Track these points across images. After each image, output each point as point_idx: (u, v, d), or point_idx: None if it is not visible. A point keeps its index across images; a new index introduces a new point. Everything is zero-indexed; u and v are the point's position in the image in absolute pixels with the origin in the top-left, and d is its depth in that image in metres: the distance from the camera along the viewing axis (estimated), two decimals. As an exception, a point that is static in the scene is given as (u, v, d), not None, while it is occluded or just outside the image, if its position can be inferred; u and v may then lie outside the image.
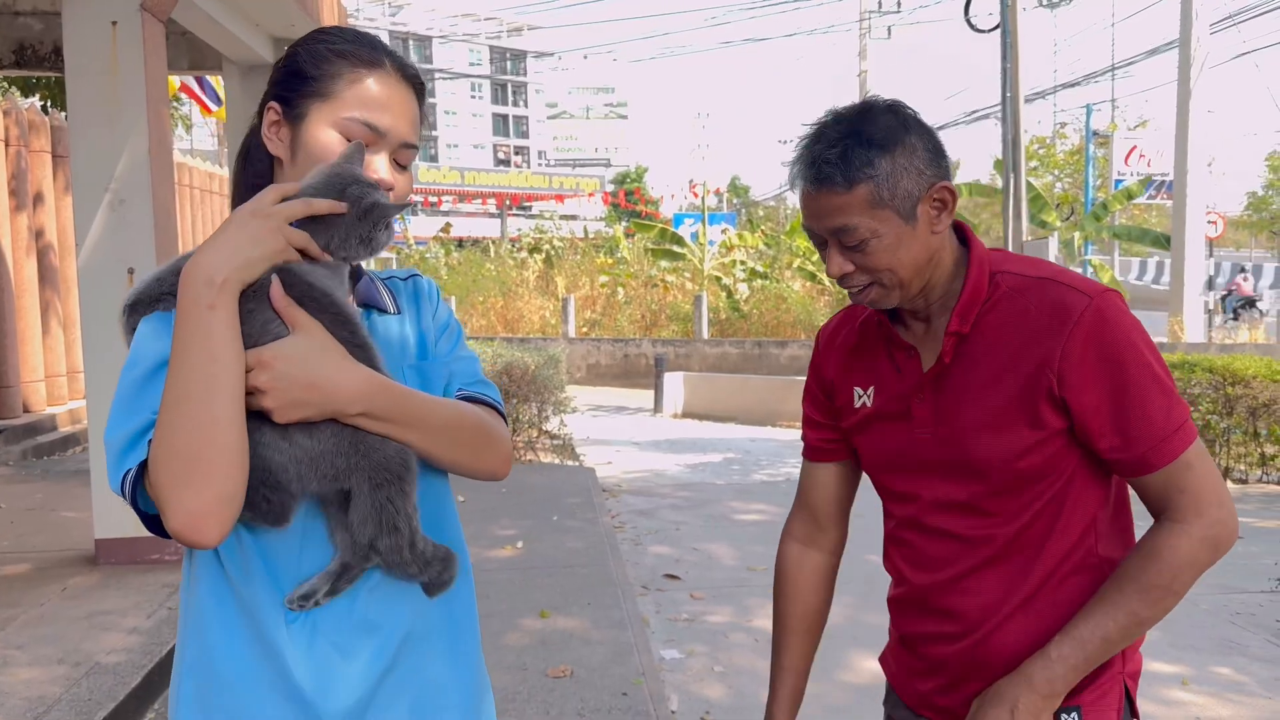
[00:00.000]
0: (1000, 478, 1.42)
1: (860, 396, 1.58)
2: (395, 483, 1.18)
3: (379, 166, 1.24)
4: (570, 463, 8.91)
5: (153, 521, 1.14)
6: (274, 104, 1.26)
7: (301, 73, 1.24)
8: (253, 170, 1.31)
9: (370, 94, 1.24)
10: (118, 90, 4.57)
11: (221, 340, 1.09)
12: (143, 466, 1.09)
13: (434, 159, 79.60)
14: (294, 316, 1.14)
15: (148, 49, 4.64)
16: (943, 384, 1.47)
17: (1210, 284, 18.37)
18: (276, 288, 1.13)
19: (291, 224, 1.15)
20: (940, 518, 1.50)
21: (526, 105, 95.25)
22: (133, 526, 4.76)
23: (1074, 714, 1.41)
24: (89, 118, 4.59)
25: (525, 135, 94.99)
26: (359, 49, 1.25)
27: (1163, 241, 17.30)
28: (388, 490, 1.17)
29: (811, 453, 1.69)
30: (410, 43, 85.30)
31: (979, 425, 1.43)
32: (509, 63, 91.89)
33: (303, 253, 1.16)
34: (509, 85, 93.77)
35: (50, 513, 5.85)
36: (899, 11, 29.22)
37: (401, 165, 1.28)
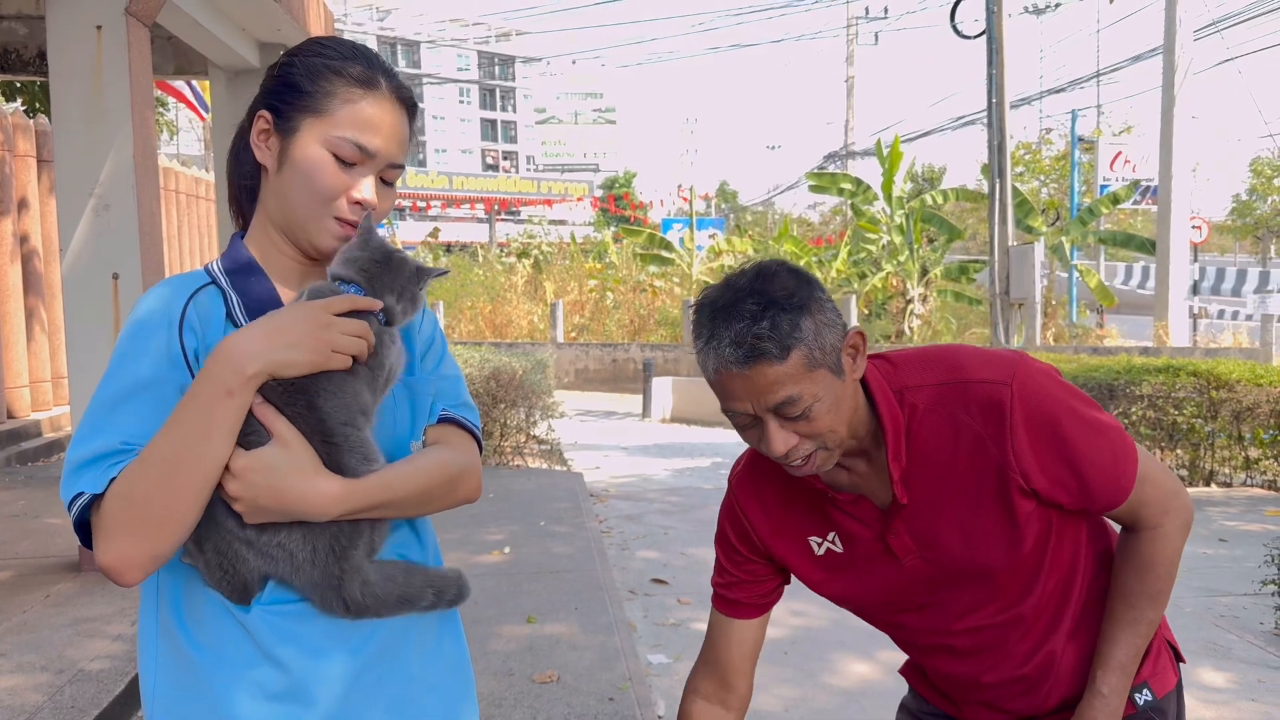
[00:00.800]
0: (1009, 567, 1.46)
1: (820, 545, 1.52)
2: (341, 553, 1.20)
3: (364, 187, 1.25)
4: (558, 468, 8.91)
5: (86, 532, 1.14)
6: (265, 112, 1.26)
7: (297, 86, 1.25)
8: (240, 173, 1.32)
9: (364, 115, 1.24)
10: (102, 95, 4.56)
11: (222, 430, 1.12)
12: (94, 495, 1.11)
13: (422, 164, 79.50)
14: (273, 426, 1.15)
15: (133, 53, 4.62)
16: (909, 515, 1.46)
17: (1195, 289, 18.48)
18: (257, 397, 1.15)
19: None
20: (967, 621, 1.52)
21: (515, 110, 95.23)
22: (117, 533, 4.75)
23: (1145, 690, 1.53)
24: (73, 122, 4.58)
25: (514, 140, 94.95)
26: (356, 67, 1.26)
27: (1148, 246, 17.40)
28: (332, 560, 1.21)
29: (731, 608, 1.61)
30: (398, 48, 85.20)
31: (965, 538, 1.45)
32: (497, 68, 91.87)
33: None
34: (497, 90, 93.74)
35: (34, 519, 5.81)
36: (886, 18, 29.36)
37: (387, 183, 1.29)
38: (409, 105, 1.30)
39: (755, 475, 1.56)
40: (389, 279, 1.23)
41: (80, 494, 1.11)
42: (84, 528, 1.13)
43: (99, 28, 4.54)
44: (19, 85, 11.33)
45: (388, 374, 1.23)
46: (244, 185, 1.32)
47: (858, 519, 1.48)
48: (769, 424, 1.34)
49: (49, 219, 9.57)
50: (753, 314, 1.29)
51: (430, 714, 1.31)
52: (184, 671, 1.21)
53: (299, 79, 1.25)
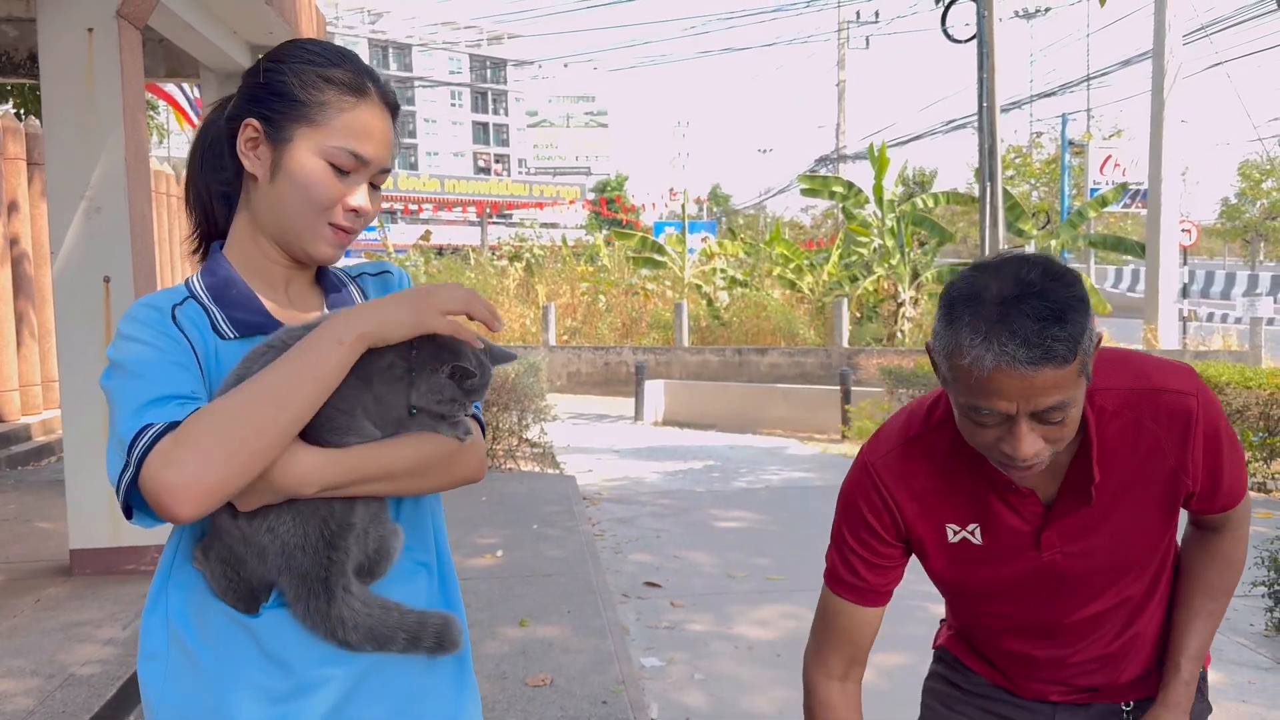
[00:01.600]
0: (1145, 563, 1.55)
1: (956, 534, 1.53)
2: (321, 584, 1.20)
3: (359, 195, 1.26)
4: (550, 471, 8.91)
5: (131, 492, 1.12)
6: (254, 121, 1.25)
7: (290, 95, 1.24)
8: (220, 178, 1.30)
9: (358, 124, 1.25)
10: (94, 97, 4.55)
11: (326, 370, 1.13)
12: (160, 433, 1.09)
13: (414, 167, 79.38)
14: None
15: (124, 56, 4.62)
16: (1073, 512, 1.49)
17: (1185, 292, 18.56)
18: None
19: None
20: (1084, 611, 1.57)
21: (507, 113, 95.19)
22: (108, 537, 4.73)
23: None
24: (65, 125, 4.56)
25: (505, 143, 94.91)
26: (347, 75, 1.26)
27: (1137, 249, 17.47)
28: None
29: (865, 597, 1.61)
30: (390, 51, 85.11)
31: (1117, 538, 1.51)
32: (489, 71, 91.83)
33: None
34: (489, 93, 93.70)
35: (24, 523, 5.79)
36: (877, 22, 29.46)
37: (375, 186, 1.30)
38: (394, 108, 1.31)
39: (906, 461, 1.54)
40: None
41: (149, 426, 1.08)
42: (131, 487, 1.10)
43: (90, 30, 4.53)
44: (9, 88, 11.30)
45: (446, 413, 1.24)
46: (224, 194, 1.31)
47: (1020, 514, 1.49)
48: (1021, 425, 1.31)
49: (39, 222, 9.54)
50: (1049, 315, 1.25)
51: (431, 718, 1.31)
52: (189, 675, 1.21)
53: (292, 88, 1.24)
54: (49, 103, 4.59)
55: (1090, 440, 1.42)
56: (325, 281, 1.36)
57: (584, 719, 3.48)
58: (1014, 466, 1.36)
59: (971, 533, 1.52)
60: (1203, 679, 1.65)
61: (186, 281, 1.28)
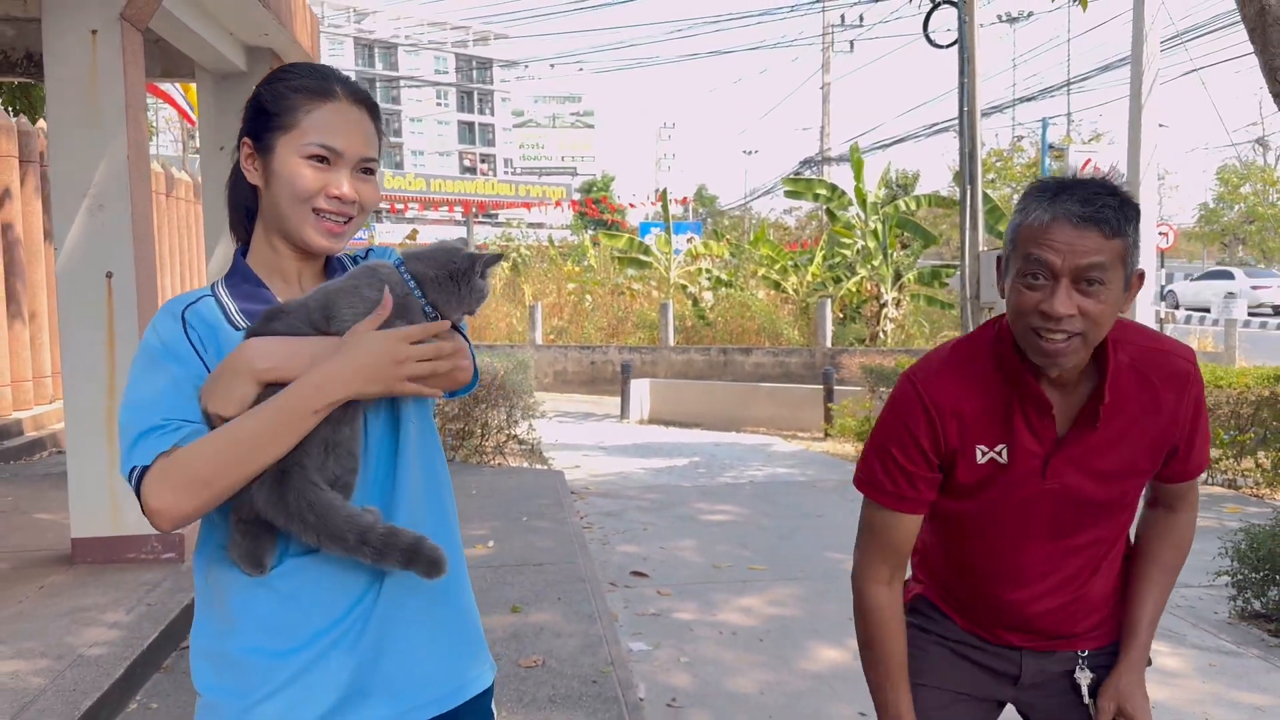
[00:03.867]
0: (1121, 507, 1.75)
1: (985, 454, 1.69)
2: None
3: (340, 181, 1.44)
4: (539, 466, 9.04)
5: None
6: (246, 139, 1.46)
7: (266, 111, 1.44)
8: (240, 196, 1.51)
9: (324, 121, 1.43)
10: (97, 98, 4.66)
11: (296, 436, 1.32)
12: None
13: (399, 166, 79.22)
14: None
15: (127, 58, 4.73)
16: (1080, 443, 1.69)
17: (1161, 293, 18.83)
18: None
19: (415, 290, 1.39)
20: (1054, 548, 1.77)
21: (493, 113, 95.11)
22: (109, 526, 4.85)
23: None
24: (69, 125, 4.67)
25: (491, 143, 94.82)
26: (312, 82, 1.45)
27: (1116, 252, 17.70)
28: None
29: (909, 505, 1.76)
30: (376, 50, 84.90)
31: (1108, 476, 1.71)
32: (475, 71, 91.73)
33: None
34: (475, 93, 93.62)
35: (23, 514, 5.89)
36: (861, 25, 29.70)
37: (369, 173, 1.48)
38: (368, 105, 1.49)
39: (952, 382, 1.70)
40: (448, 286, 1.41)
41: (135, 467, 1.32)
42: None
43: (94, 32, 4.64)
44: (-1, 86, 11.34)
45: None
46: (246, 208, 1.52)
47: (1038, 436, 1.67)
48: (1062, 285, 1.52)
49: (32, 218, 9.60)
50: (1107, 191, 1.53)
51: (431, 669, 1.46)
52: (215, 606, 1.43)
53: (267, 104, 1.44)
54: (53, 103, 4.70)
55: (1107, 367, 1.63)
56: (330, 269, 1.54)
57: (575, 697, 3.63)
58: (1050, 332, 1.54)
59: (999, 453, 1.68)
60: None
61: (213, 284, 1.49)
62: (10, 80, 8.13)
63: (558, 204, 46.05)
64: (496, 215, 52.29)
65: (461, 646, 1.51)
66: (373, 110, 1.49)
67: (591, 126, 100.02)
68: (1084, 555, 1.77)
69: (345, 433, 1.36)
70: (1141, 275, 1.60)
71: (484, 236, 37.84)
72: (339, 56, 79.37)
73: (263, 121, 1.44)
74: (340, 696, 1.38)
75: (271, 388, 1.33)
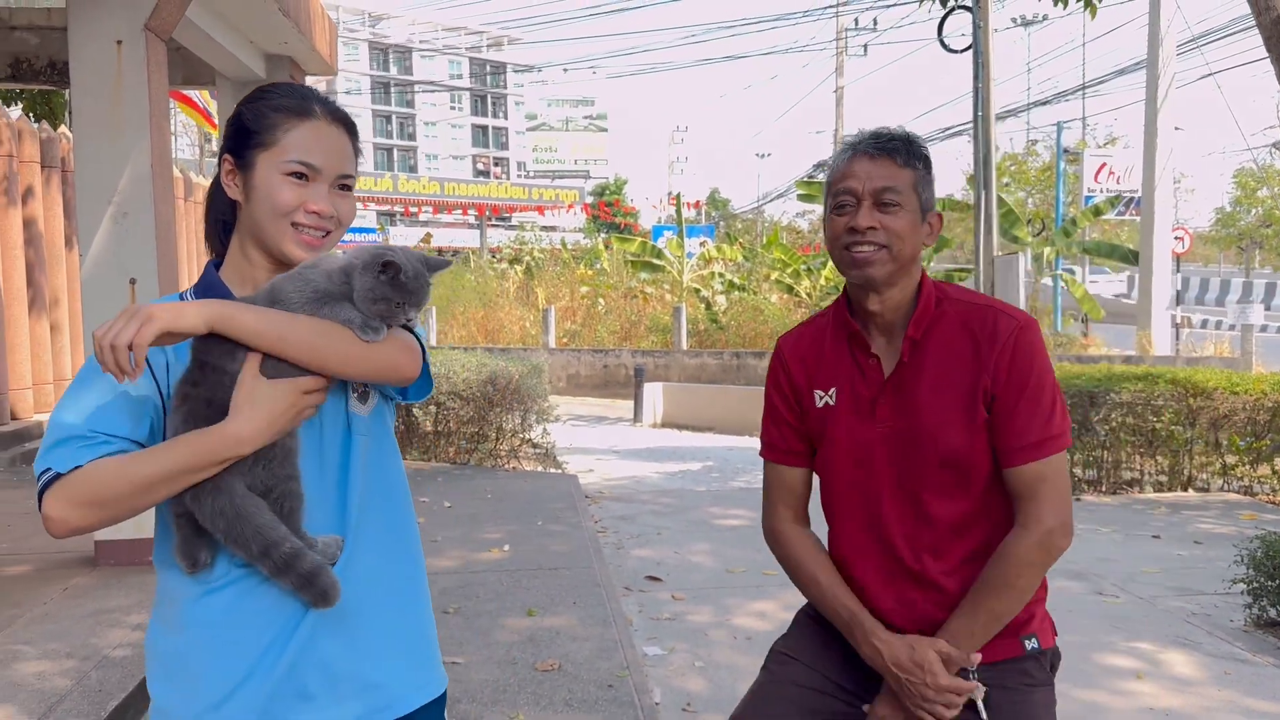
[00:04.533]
0: (953, 462, 1.78)
1: (822, 398, 1.89)
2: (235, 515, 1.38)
3: (318, 197, 1.49)
4: (553, 470, 9.08)
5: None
6: (227, 155, 1.51)
7: (246, 129, 1.49)
8: (217, 210, 1.57)
9: (303, 139, 1.49)
10: (122, 107, 4.73)
11: (202, 476, 1.36)
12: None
13: (413, 169, 79.51)
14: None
15: (151, 67, 4.80)
16: (901, 386, 1.81)
17: (1178, 298, 18.77)
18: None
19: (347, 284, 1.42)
20: (902, 499, 1.83)
21: (506, 117, 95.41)
22: (132, 528, 4.90)
23: (1032, 639, 1.86)
24: (94, 133, 4.75)
25: (505, 147, 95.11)
26: (292, 102, 1.50)
27: (1131, 257, 17.68)
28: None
29: (788, 457, 1.95)
30: (390, 54, 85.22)
31: (933, 421, 1.78)
32: (489, 75, 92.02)
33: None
34: (489, 97, 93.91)
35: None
36: (875, 30, 29.69)
37: (346, 189, 1.53)
38: (346, 124, 1.55)
39: (801, 337, 1.97)
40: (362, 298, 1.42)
41: (47, 470, 1.36)
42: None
43: (119, 43, 4.71)
44: (19, 92, 11.47)
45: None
46: (222, 222, 1.58)
47: (866, 377, 1.85)
48: (865, 204, 1.78)
49: (53, 224, 9.72)
50: (899, 137, 1.82)
51: (380, 675, 1.50)
52: (165, 606, 1.49)
53: (248, 123, 1.50)
54: (79, 112, 4.77)
55: (919, 306, 1.81)
56: None
57: (590, 701, 3.67)
58: (858, 245, 1.77)
59: (831, 396, 1.88)
60: (1053, 665, 1.88)
61: (180, 294, 1.54)
62: (33, 87, 8.23)
63: (570, 207, 46.16)
64: (509, 218, 52.41)
65: (411, 654, 1.55)
66: (350, 129, 1.56)
67: (605, 130, 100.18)
68: (938, 532, 1.80)
69: (277, 446, 1.39)
70: (940, 217, 1.86)
71: (497, 240, 37.95)
72: (354, 61, 79.72)
73: (244, 139, 1.49)
74: (287, 703, 1.42)
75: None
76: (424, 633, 1.59)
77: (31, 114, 11.64)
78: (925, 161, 1.82)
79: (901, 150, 1.79)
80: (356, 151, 1.56)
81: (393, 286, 1.39)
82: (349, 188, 1.54)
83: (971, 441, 1.78)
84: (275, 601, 1.42)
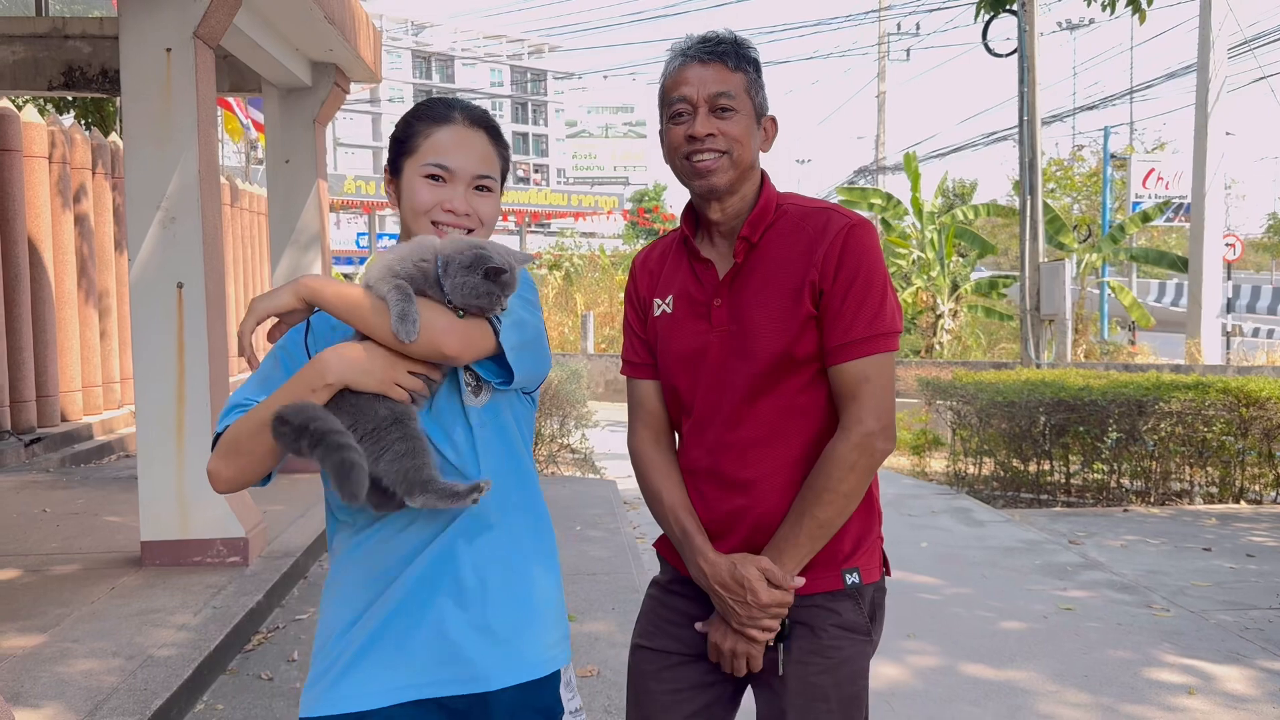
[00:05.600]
0: (777, 362, 1.76)
1: (660, 306, 1.89)
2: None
3: (453, 196, 1.60)
4: (591, 476, 9.08)
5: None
6: (386, 169, 1.66)
7: (396, 139, 1.64)
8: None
9: (440, 143, 1.61)
10: (171, 114, 4.80)
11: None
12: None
13: (454, 176, 79.82)
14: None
15: (199, 74, 4.87)
16: (736, 288, 1.81)
17: (1229, 306, 18.41)
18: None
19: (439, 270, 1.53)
20: (727, 402, 1.80)
21: (546, 124, 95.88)
22: (178, 530, 4.97)
23: (854, 573, 1.81)
24: (143, 140, 4.82)
25: (544, 154, 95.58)
26: (433, 110, 1.63)
27: (1180, 264, 17.36)
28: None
29: (640, 370, 1.95)
30: (433, 62, 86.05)
31: (762, 318, 1.77)
32: (530, 83, 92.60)
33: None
34: (529, 104, 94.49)
35: (94, 517, 6.06)
36: (918, 34, 29.46)
37: (484, 190, 1.64)
38: (484, 125, 1.65)
39: (652, 250, 1.99)
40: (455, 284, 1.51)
41: (215, 435, 1.60)
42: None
43: (169, 50, 4.79)
44: (72, 100, 11.73)
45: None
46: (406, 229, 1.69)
47: (700, 281, 1.85)
48: (701, 111, 1.76)
49: (103, 228, 9.91)
50: (723, 38, 1.80)
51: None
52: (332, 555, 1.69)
53: (397, 135, 1.65)
54: (129, 118, 4.85)
55: (757, 208, 1.81)
56: None
57: (630, 708, 3.64)
58: (698, 154, 1.76)
59: (668, 304, 1.88)
60: (878, 601, 1.85)
61: None
62: (85, 95, 8.40)
63: (609, 214, 46.26)
64: (549, 224, 52.60)
65: (520, 637, 1.60)
66: (492, 132, 1.65)
67: (644, 136, 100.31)
68: (764, 439, 1.77)
69: (383, 410, 1.51)
70: (774, 121, 1.86)
71: (537, 246, 38.11)
72: (397, 69, 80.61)
73: (395, 149, 1.64)
74: (388, 649, 1.56)
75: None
76: (541, 617, 1.64)
77: (84, 121, 11.90)
78: (755, 65, 1.80)
79: (731, 54, 1.77)
80: (501, 155, 1.66)
81: (497, 284, 1.49)
82: (488, 188, 1.63)
83: (799, 339, 1.75)
84: (403, 556, 1.57)
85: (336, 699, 1.55)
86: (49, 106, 11.45)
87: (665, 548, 1.96)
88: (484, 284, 1.48)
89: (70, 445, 8.76)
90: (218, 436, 1.57)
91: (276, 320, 1.56)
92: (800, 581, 1.75)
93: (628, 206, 55.32)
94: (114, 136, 10.45)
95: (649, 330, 1.91)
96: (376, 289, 1.49)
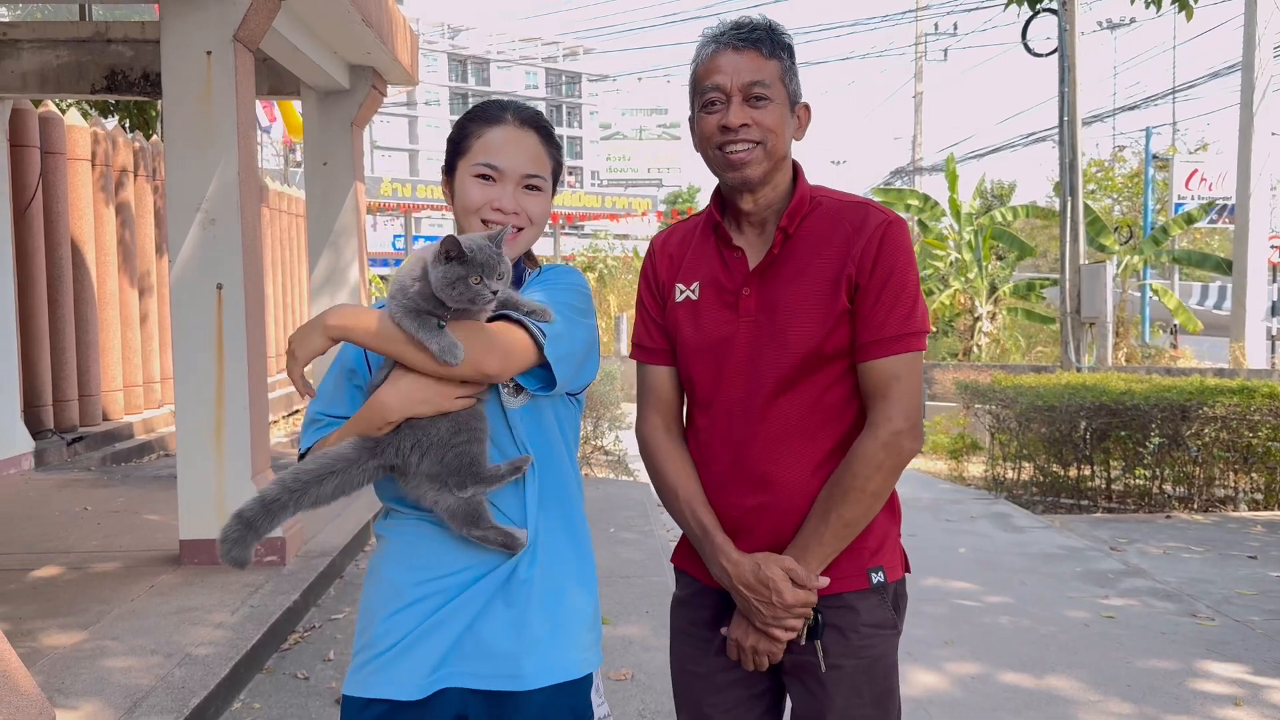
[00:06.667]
0: (809, 356, 1.72)
1: (683, 292, 1.84)
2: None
3: (502, 195, 1.62)
4: (624, 478, 9.07)
5: None
6: (443, 169, 1.69)
7: (451, 141, 1.67)
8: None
9: (490, 143, 1.63)
10: (211, 117, 4.85)
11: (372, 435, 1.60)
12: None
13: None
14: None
15: (239, 77, 4.91)
16: (768, 278, 1.77)
17: (1274, 309, 18.03)
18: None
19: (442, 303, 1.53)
20: (754, 395, 1.76)
21: (580, 127, 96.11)
22: (216, 528, 4.99)
23: (879, 571, 1.79)
24: (184, 142, 4.87)
25: (579, 156, 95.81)
26: (486, 111, 1.66)
27: (1224, 266, 17.06)
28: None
29: (654, 355, 1.89)
30: (469, 65, 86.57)
31: (795, 310, 1.73)
32: (564, 85, 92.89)
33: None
34: (564, 107, 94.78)
35: (134, 515, 6.14)
36: (955, 34, 29.21)
37: (534, 189, 1.65)
38: (534, 125, 1.67)
39: (673, 233, 1.93)
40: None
41: (300, 451, 1.68)
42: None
43: (209, 53, 4.84)
44: (114, 103, 11.89)
45: None
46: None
47: (730, 269, 1.81)
48: (734, 100, 1.72)
49: (144, 230, 10.05)
50: (761, 22, 1.76)
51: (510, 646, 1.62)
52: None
53: (452, 136, 1.69)
54: (170, 121, 4.91)
55: (795, 199, 1.77)
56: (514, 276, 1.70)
57: (665, 713, 3.62)
58: (732, 145, 1.72)
59: (693, 290, 1.83)
60: (901, 597, 1.83)
61: None
62: (128, 99, 8.52)
63: (644, 215, 46.24)
64: (583, 226, 52.70)
65: (557, 636, 1.63)
66: (543, 132, 1.67)
67: (678, 139, 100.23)
68: (790, 434, 1.73)
69: (449, 420, 1.57)
70: (807, 108, 1.81)
71: (571, 248, 38.19)
72: (433, 72, 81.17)
73: (450, 150, 1.68)
74: (431, 642, 1.61)
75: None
76: (577, 618, 1.67)
77: (126, 124, 12.07)
78: (790, 51, 1.76)
79: (766, 40, 1.73)
80: (552, 155, 1.68)
81: (461, 263, 1.46)
82: (537, 188, 1.65)
83: (831, 333, 1.72)
84: (439, 553, 1.63)
85: (381, 684, 1.60)
86: (92, 110, 11.63)
87: (683, 559, 1.94)
88: (450, 269, 1.46)
89: (111, 444, 8.88)
90: (304, 454, 1.63)
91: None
92: (824, 581, 1.73)
93: (661, 208, 55.26)
94: (155, 139, 10.59)
95: (667, 316, 1.87)
96: (401, 323, 1.51)
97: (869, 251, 1.72)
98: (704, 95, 1.75)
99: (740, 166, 1.72)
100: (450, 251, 1.46)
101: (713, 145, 1.75)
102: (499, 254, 1.48)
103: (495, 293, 1.48)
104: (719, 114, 1.73)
